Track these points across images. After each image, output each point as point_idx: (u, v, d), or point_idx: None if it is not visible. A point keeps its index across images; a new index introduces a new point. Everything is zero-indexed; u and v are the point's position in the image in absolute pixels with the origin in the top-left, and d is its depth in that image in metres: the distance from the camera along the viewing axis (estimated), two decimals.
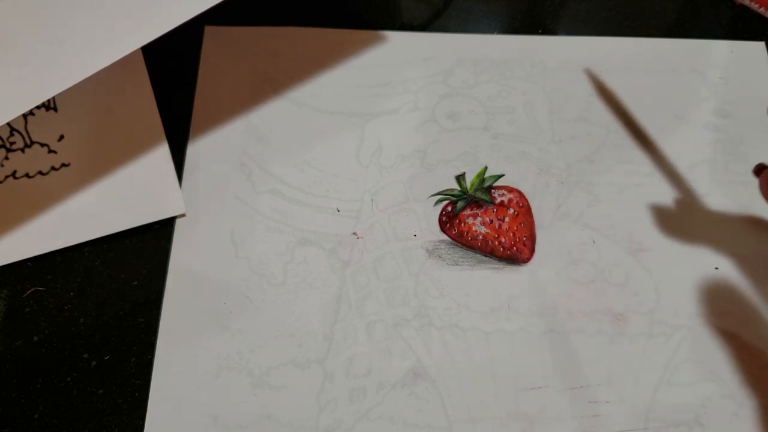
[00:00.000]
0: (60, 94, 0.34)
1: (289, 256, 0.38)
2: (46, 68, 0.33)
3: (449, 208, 0.39)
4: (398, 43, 0.45)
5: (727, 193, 0.40)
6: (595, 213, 0.40)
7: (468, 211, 0.38)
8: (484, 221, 0.38)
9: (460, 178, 0.40)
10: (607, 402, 0.35)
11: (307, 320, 0.37)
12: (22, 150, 0.41)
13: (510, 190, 0.39)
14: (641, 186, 0.40)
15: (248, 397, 0.35)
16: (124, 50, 0.33)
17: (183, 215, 0.40)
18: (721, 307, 0.37)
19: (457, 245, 0.39)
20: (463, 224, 0.38)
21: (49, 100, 0.42)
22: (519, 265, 0.38)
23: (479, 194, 0.38)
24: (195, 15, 0.35)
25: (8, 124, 0.41)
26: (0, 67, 0.33)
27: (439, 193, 0.40)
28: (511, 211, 0.38)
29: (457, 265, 0.38)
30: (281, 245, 0.39)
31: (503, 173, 0.40)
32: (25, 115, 0.41)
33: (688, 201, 0.40)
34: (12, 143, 0.41)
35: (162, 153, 0.41)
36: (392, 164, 0.41)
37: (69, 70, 0.33)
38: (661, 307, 0.37)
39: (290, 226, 0.39)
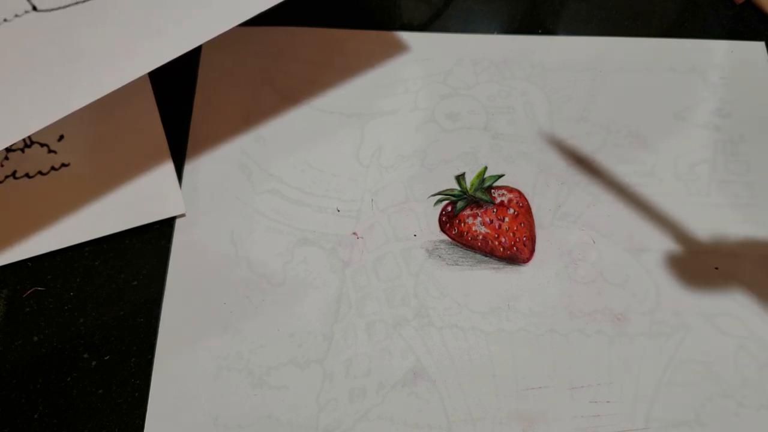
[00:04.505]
0: None
1: (289, 256, 0.38)
2: (66, 85, 0.33)
3: (449, 208, 0.39)
4: (398, 42, 0.45)
5: (727, 193, 0.40)
6: (595, 213, 0.40)
7: (468, 211, 0.38)
8: (484, 221, 0.38)
9: (460, 178, 0.40)
10: (607, 402, 0.35)
11: (307, 320, 0.37)
12: (22, 150, 0.41)
13: (510, 190, 0.39)
14: (641, 186, 0.40)
15: (248, 397, 0.35)
16: (145, 68, 0.34)
17: (183, 215, 0.40)
18: (721, 307, 0.37)
19: (457, 245, 0.39)
20: (463, 224, 0.38)
21: None
22: (519, 265, 0.38)
23: (479, 194, 0.38)
24: (214, 36, 0.35)
25: None
26: (23, 83, 0.33)
27: (439, 193, 0.40)
28: (511, 211, 0.38)
29: (457, 265, 0.38)
30: (281, 245, 0.39)
31: (503, 173, 0.40)
32: None
33: (688, 201, 0.40)
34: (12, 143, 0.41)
35: (162, 153, 0.41)
36: (392, 164, 0.41)
37: (89, 86, 0.33)
38: (661, 307, 0.37)
39: (290, 226, 0.39)
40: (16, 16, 0.35)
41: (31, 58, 0.34)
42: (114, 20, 0.35)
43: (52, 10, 0.35)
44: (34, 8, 0.35)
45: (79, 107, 0.33)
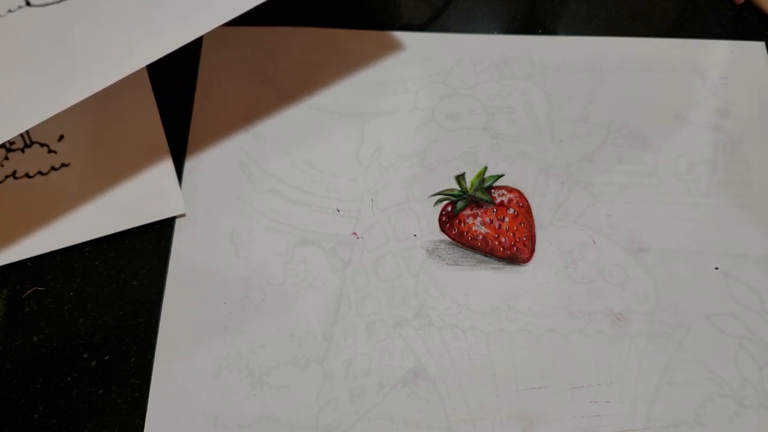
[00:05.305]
0: None
1: (289, 256, 0.38)
2: (61, 80, 0.33)
3: (449, 208, 0.39)
4: (398, 43, 0.45)
5: (727, 193, 0.40)
6: (595, 213, 0.40)
7: (468, 211, 0.38)
8: (484, 221, 0.38)
9: (460, 178, 0.40)
10: (607, 402, 0.35)
11: (307, 320, 0.37)
12: (22, 150, 0.41)
13: (510, 190, 0.39)
14: (641, 186, 0.40)
15: (248, 397, 0.35)
16: (141, 62, 0.34)
17: (183, 215, 0.40)
18: (721, 307, 0.37)
19: (457, 245, 0.39)
20: (463, 224, 0.38)
21: None
22: (519, 265, 0.38)
23: (479, 194, 0.38)
24: (210, 29, 0.35)
25: None
26: (17, 79, 0.33)
27: (439, 193, 0.40)
28: (511, 211, 0.38)
29: (457, 265, 0.38)
30: (281, 245, 0.39)
31: (503, 173, 0.40)
32: None
33: (688, 201, 0.40)
34: (12, 143, 0.41)
35: (162, 153, 0.41)
36: (392, 164, 0.41)
37: (84, 81, 0.33)
38: (661, 307, 0.37)
39: (290, 226, 0.39)
40: (10, 11, 0.34)
41: (25, 54, 0.34)
42: (108, 14, 0.35)
43: (45, 5, 0.35)
44: (28, 3, 0.35)
45: (74, 103, 0.33)
